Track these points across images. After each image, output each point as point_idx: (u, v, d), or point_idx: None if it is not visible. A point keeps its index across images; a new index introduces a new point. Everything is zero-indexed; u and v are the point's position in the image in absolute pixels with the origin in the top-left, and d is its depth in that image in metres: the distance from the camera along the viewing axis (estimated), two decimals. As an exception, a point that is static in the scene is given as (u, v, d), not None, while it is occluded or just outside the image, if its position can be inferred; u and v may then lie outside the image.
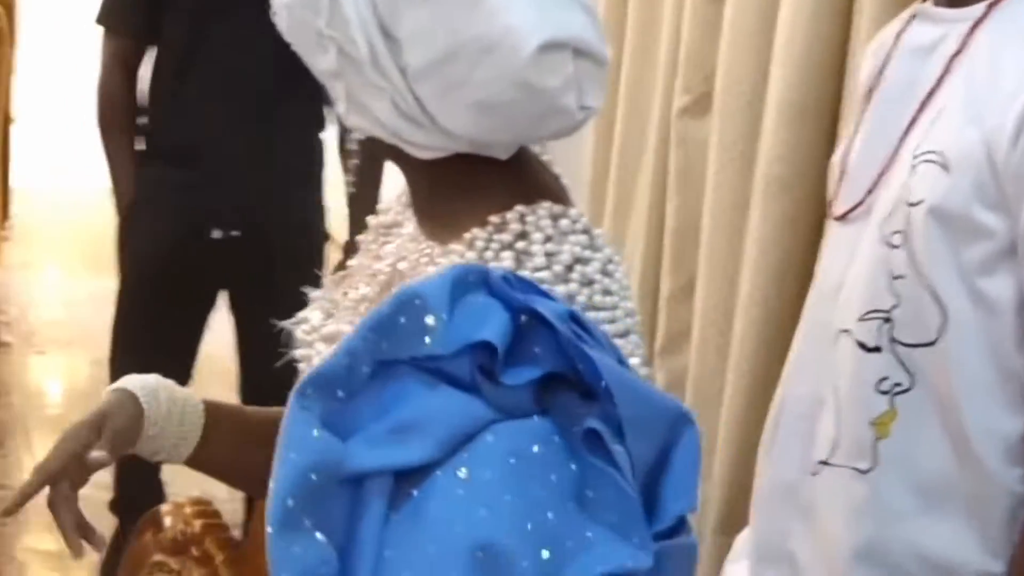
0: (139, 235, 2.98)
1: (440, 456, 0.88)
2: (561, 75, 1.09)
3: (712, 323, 2.83)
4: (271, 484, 0.87)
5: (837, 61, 2.44)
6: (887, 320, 1.46)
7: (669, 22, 2.94)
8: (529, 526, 0.85)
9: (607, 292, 1.13)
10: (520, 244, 1.11)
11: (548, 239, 1.12)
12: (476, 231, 1.13)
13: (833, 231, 1.57)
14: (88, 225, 5.88)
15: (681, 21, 2.87)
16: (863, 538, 1.49)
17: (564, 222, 1.14)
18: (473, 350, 0.92)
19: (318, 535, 0.85)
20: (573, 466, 0.89)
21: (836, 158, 1.60)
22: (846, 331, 1.51)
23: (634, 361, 1.13)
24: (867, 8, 2.30)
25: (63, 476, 1.19)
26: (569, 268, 1.11)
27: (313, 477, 0.85)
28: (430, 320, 0.91)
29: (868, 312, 1.48)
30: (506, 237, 1.12)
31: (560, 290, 1.10)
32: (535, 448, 0.89)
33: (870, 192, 1.49)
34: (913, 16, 1.55)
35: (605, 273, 1.13)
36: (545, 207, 1.14)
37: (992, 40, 1.41)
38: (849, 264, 1.52)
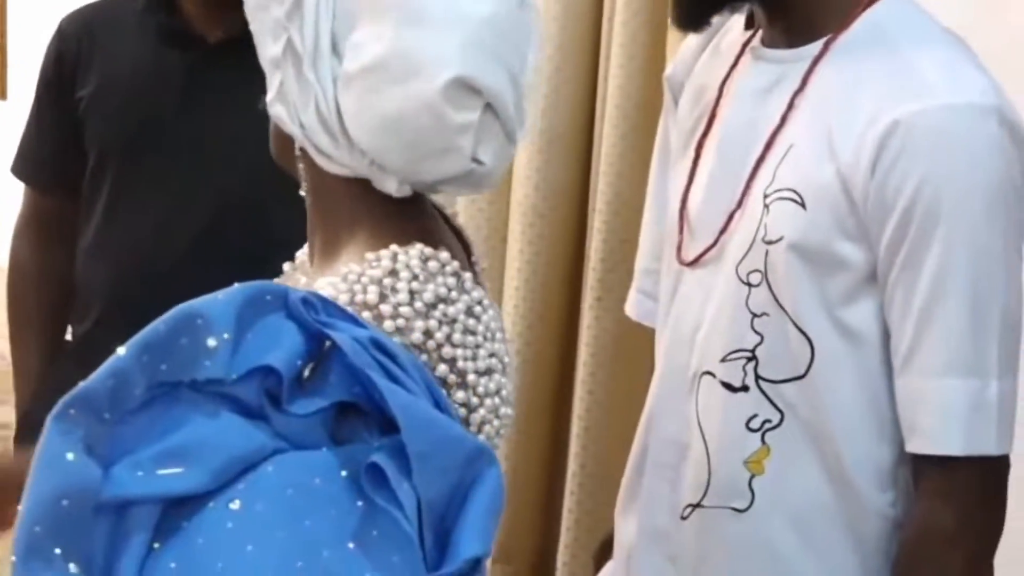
0: None
1: (214, 486, 0.84)
2: (465, 117, 1.17)
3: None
4: (20, 509, 0.81)
5: (587, 89, 2.46)
6: (751, 359, 1.47)
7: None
8: (300, 564, 0.81)
9: (469, 332, 1.18)
10: (387, 280, 1.17)
11: (415, 278, 1.17)
12: (352, 266, 1.18)
13: (683, 277, 1.56)
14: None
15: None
16: None
17: (432, 264, 1.19)
18: (260, 375, 0.88)
19: (71, 566, 0.80)
20: (359, 503, 0.85)
21: (674, 206, 1.59)
22: (708, 373, 1.50)
23: (494, 401, 1.18)
24: (616, 35, 2.33)
25: None
26: (432, 306, 1.16)
27: (64, 503, 0.80)
28: (212, 342, 0.87)
29: (731, 352, 1.48)
30: (377, 273, 1.17)
31: (419, 325, 1.13)
32: (316, 481, 0.85)
33: (721, 234, 1.49)
34: (738, 58, 1.55)
35: (470, 314, 1.19)
36: (417, 248, 1.19)
37: (836, 75, 1.43)
38: (704, 307, 1.52)
